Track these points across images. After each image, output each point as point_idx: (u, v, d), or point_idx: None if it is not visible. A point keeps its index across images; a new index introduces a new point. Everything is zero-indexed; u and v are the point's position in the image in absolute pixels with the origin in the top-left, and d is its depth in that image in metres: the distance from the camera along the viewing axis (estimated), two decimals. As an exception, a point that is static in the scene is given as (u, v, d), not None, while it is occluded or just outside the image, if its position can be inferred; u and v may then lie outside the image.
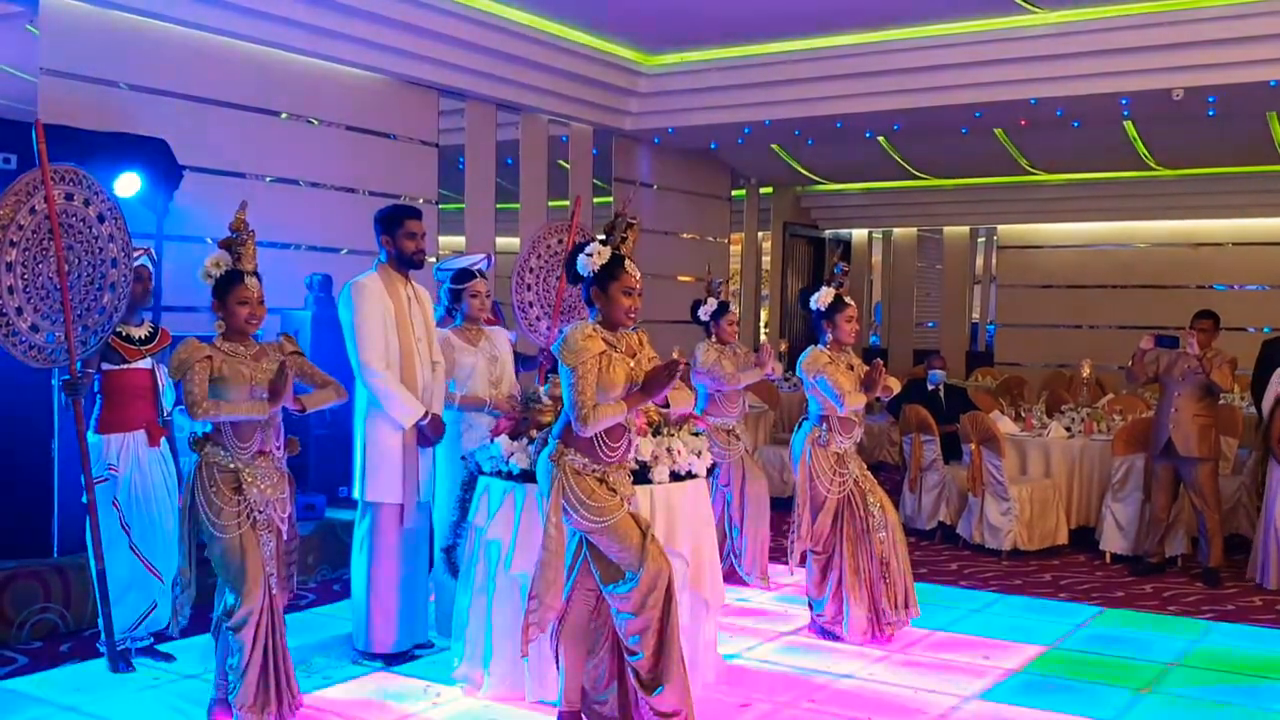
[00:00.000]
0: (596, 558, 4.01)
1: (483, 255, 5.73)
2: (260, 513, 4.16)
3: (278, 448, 4.28)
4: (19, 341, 4.66)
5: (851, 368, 5.65)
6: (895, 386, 5.80)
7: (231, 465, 4.13)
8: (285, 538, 4.30)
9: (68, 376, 4.82)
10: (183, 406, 4.13)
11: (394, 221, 5.12)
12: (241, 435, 4.14)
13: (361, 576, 5.12)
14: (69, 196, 4.80)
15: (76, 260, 4.82)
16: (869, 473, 5.74)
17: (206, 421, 4.09)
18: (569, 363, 3.88)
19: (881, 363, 5.59)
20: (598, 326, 3.98)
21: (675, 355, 10.54)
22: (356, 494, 5.12)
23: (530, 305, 6.74)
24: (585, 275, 4.01)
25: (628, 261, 4.02)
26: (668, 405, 4.35)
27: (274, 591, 4.20)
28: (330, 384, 4.47)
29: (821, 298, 5.64)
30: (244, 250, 4.21)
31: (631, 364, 3.99)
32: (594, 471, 3.96)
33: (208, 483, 4.11)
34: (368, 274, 5.10)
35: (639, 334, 4.13)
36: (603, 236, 4.08)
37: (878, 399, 5.77)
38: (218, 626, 4.19)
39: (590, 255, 3.99)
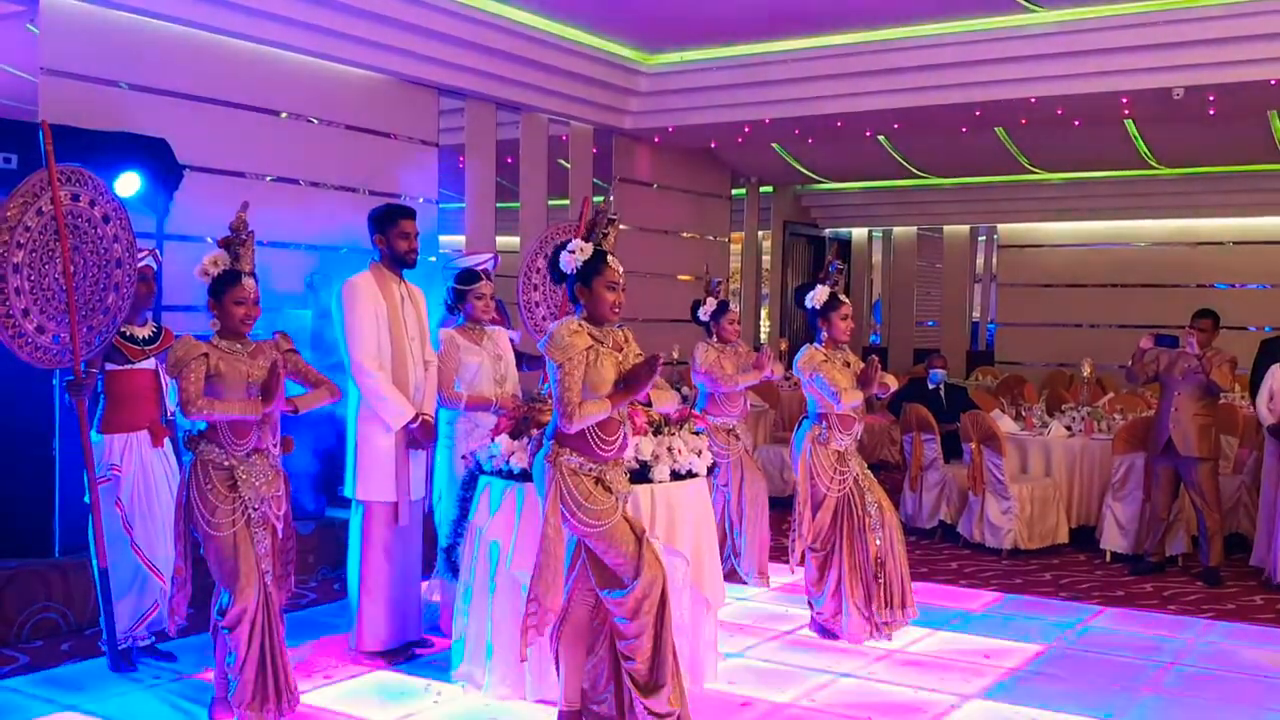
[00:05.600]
0: (593, 561, 4.02)
1: (489, 255, 5.73)
2: (255, 510, 4.16)
3: (274, 445, 4.28)
4: (25, 343, 4.67)
5: (848, 365, 5.65)
6: (892, 383, 5.81)
7: (226, 463, 4.14)
8: (281, 536, 4.30)
9: (71, 377, 4.83)
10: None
11: (387, 220, 5.12)
12: (237, 433, 4.15)
13: (354, 575, 5.14)
14: (75, 197, 4.81)
15: (82, 261, 4.83)
16: (869, 472, 5.75)
17: (200, 420, 4.10)
18: (555, 359, 3.90)
19: (877, 359, 5.60)
20: (583, 323, 4.00)
21: (674, 354, 10.62)
22: (349, 493, 5.13)
23: (537, 305, 6.73)
24: (569, 272, 4.04)
25: (610, 257, 4.05)
26: (650, 403, 4.36)
27: (270, 590, 4.20)
28: (324, 383, 4.48)
29: (816, 296, 5.65)
30: (243, 250, 4.22)
31: (619, 358, 4.01)
32: (590, 471, 3.97)
33: (203, 480, 4.12)
34: (360, 273, 5.11)
35: (624, 331, 4.16)
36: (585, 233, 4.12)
37: (877, 396, 5.77)
38: (215, 626, 4.20)
39: (573, 252, 4.02)
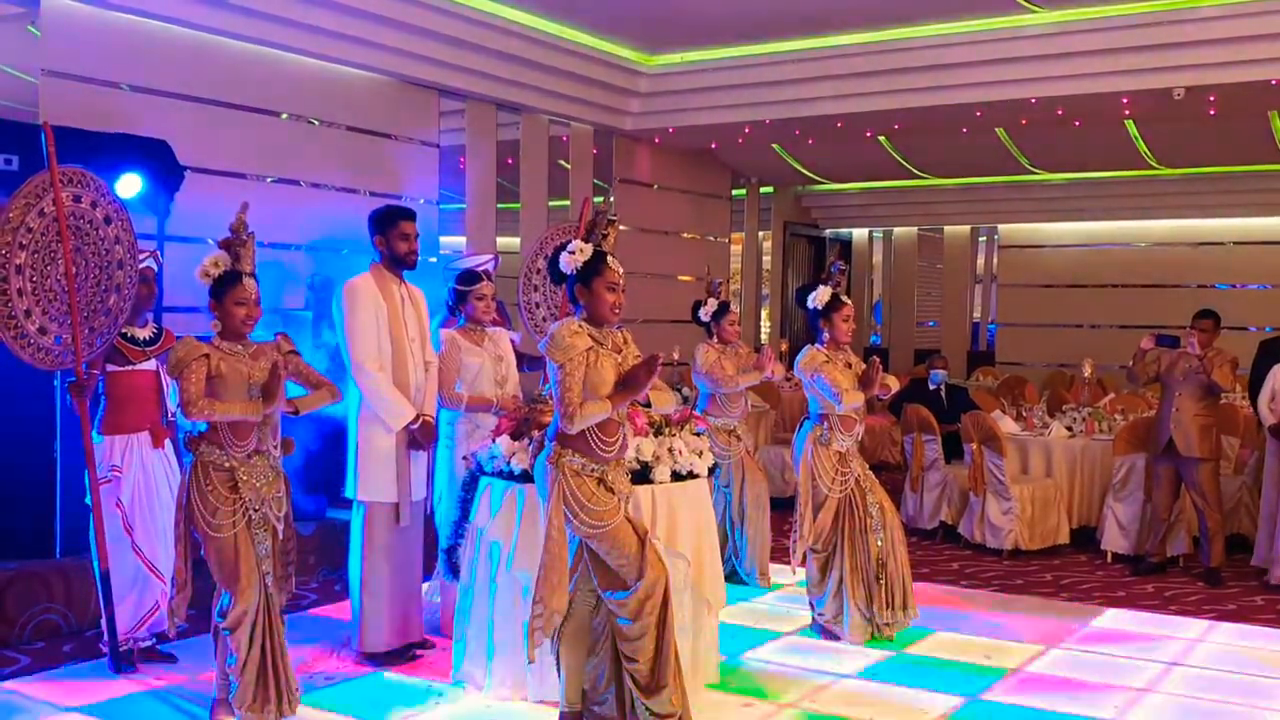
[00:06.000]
0: (596, 563, 4.03)
1: (490, 256, 5.73)
2: (256, 511, 4.16)
3: (274, 446, 4.28)
4: (27, 344, 4.67)
5: (850, 366, 5.65)
6: (894, 384, 5.80)
7: (227, 464, 4.14)
8: (281, 537, 4.30)
9: (73, 378, 4.83)
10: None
11: (387, 222, 5.13)
12: (238, 434, 4.15)
13: (355, 576, 5.14)
14: (77, 198, 4.81)
15: (84, 262, 4.83)
16: (870, 473, 5.75)
17: (201, 421, 4.10)
18: (556, 359, 3.91)
19: (878, 360, 5.60)
20: (583, 324, 4.00)
21: (675, 355, 10.61)
22: (350, 493, 5.13)
23: (537, 306, 6.73)
24: (568, 273, 4.04)
25: (610, 257, 4.05)
26: (649, 404, 4.37)
27: (270, 591, 4.20)
28: (324, 385, 4.47)
29: (818, 297, 5.64)
30: (243, 251, 4.22)
31: (619, 359, 4.02)
32: (592, 472, 3.97)
33: (203, 482, 4.12)
34: (360, 274, 5.11)
35: (623, 332, 4.16)
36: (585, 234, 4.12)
37: (878, 397, 5.78)
38: (216, 627, 4.20)
39: (573, 253, 4.02)
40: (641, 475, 4.50)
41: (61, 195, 4.71)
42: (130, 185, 5.94)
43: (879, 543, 5.56)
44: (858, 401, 5.51)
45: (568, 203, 10.59)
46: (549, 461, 3.99)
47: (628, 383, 3.96)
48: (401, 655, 5.18)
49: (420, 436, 5.09)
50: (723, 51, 10.09)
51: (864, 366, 5.63)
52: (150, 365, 5.16)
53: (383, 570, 5.10)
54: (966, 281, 15.84)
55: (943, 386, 9.17)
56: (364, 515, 5.10)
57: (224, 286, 4.18)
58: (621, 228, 11.33)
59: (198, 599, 4.36)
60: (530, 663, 4.16)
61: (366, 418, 5.06)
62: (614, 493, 4.00)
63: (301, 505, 6.87)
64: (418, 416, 5.07)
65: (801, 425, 5.77)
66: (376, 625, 5.12)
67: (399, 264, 5.15)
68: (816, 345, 5.67)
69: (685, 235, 12.54)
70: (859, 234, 16.76)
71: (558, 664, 4.19)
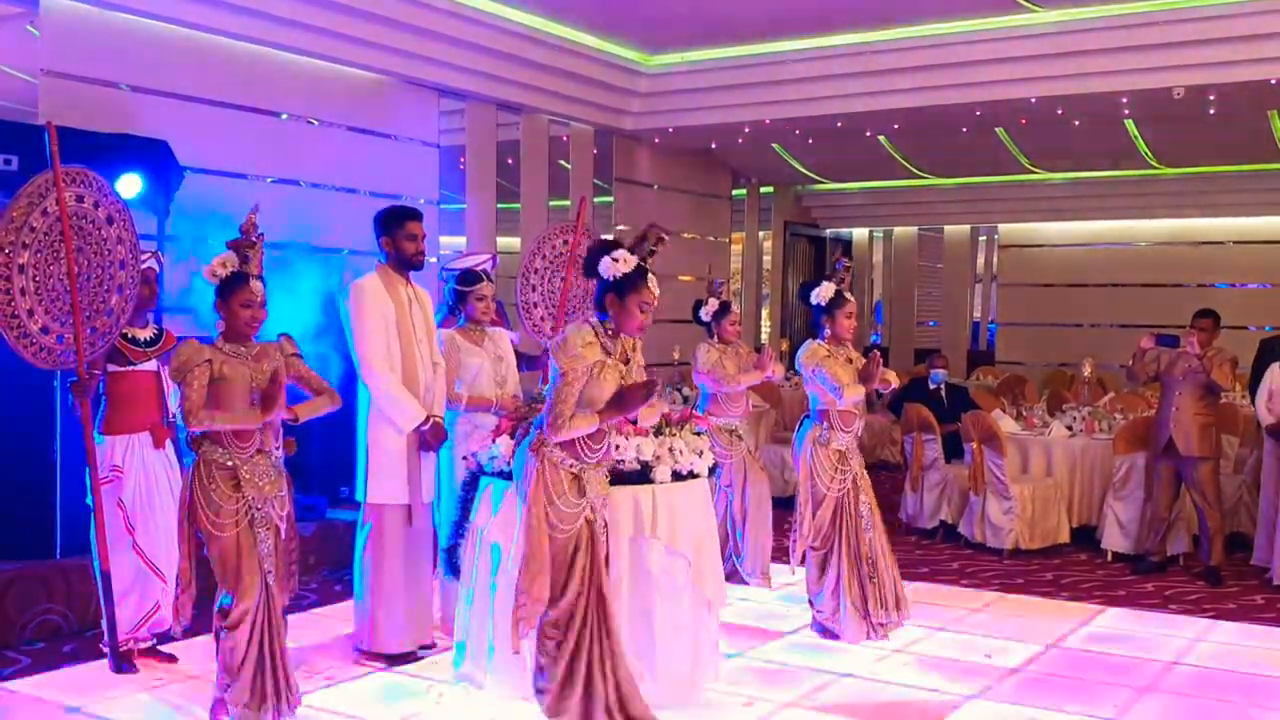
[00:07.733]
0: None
1: (487, 255, 5.73)
2: (258, 511, 4.17)
3: (276, 447, 4.28)
4: (30, 343, 4.67)
5: (850, 361, 5.66)
6: (894, 379, 5.79)
7: (229, 463, 4.13)
8: (284, 537, 4.30)
9: (75, 378, 4.83)
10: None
11: (393, 222, 5.11)
12: (240, 435, 4.14)
13: (365, 579, 5.12)
14: (79, 198, 4.81)
15: (86, 262, 4.83)
16: (865, 472, 5.75)
17: (202, 429, 4.10)
18: (562, 364, 3.91)
19: (879, 354, 5.60)
20: (600, 332, 3.98)
21: (675, 355, 10.61)
22: (360, 496, 5.12)
23: (535, 306, 6.72)
24: (606, 279, 4.00)
25: (650, 276, 4.00)
26: (636, 422, 4.38)
27: (272, 590, 4.20)
28: (325, 391, 4.46)
29: (822, 292, 5.64)
30: (252, 253, 4.21)
31: (623, 369, 4.02)
32: (571, 467, 3.99)
33: (206, 481, 4.12)
34: (368, 275, 5.10)
35: (633, 339, 4.15)
36: (631, 244, 4.06)
37: (878, 393, 5.78)
38: (216, 626, 4.20)
39: (617, 260, 3.96)
40: (642, 475, 4.50)
41: (64, 195, 4.71)
42: (130, 185, 5.94)
43: (869, 541, 5.57)
44: (858, 395, 5.51)
45: (567, 203, 10.60)
46: (530, 449, 3.99)
47: (621, 400, 3.96)
48: (404, 655, 5.18)
49: (430, 437, 5.08)
50: (723, 51, 10.10)
51: (864, 362, 5.64)
52: (151, 366, 5.16)
53: (396, 572, 5.08)
54: (966, 281, 15.86)
55: (943, 386, 9.16)
56: (376, 518, 5.08)
57: (230, 288, 4.17)
58: (621, 228, 11.37)
59: (200, 598, 4.37)
60: (515, 653, 4.16)
61: (376, 419, 5.04)
62: (585, 495, 4.01)
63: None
64: (428, 418, 5.06)
65: (801, 424, 5.77)
66: (391, 627, 5.10)
67: (406, 264, 5.13)
68: (818, 340, 5.67)
69: (685, 235, 12.55)
70: (859, 234, 16.77)
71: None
